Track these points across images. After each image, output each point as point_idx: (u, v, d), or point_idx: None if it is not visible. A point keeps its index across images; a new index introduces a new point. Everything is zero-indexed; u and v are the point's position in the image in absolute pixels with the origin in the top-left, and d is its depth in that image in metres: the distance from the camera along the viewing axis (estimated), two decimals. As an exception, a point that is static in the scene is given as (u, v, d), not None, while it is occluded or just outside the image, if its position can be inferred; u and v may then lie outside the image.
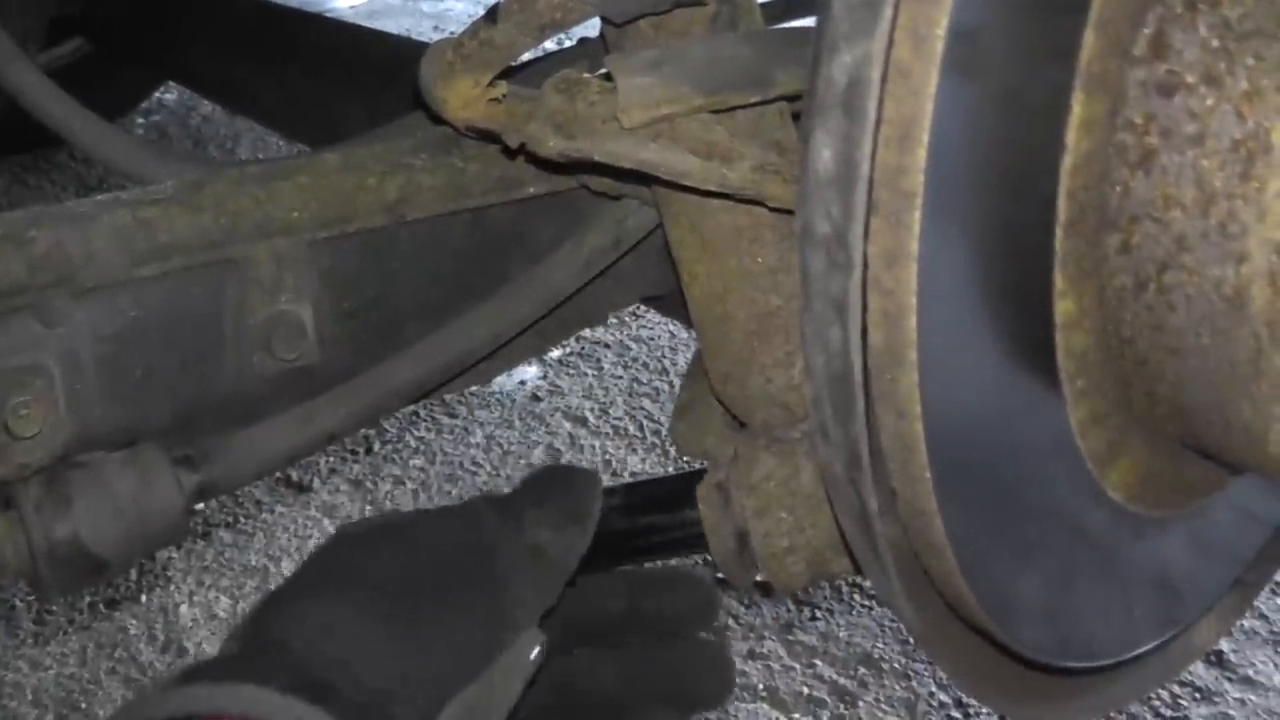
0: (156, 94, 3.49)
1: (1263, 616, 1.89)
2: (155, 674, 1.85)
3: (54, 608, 1.95)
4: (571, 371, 2.46)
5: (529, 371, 2.45)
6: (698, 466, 0.97)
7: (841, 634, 1.86)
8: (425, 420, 2.33)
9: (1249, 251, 0.69)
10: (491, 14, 0.89)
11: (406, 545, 0.75)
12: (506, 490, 0.84)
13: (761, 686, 1.79)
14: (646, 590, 0.92)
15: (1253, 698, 1.77)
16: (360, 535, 0.77)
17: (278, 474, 1.96)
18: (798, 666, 1.82)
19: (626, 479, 2.15)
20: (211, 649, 1.88)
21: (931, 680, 1.79)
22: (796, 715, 1.75)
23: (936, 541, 0.73)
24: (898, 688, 1.78)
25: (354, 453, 2.26)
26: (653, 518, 0.94)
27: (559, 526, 0.80)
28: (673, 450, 2.14)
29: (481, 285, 1.05)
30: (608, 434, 2.28)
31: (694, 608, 0.92)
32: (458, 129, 0.97)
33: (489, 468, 2.21)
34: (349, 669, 0.65)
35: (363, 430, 1.65)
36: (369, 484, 2.19)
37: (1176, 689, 1.76)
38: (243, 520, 2.13)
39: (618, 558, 0.95)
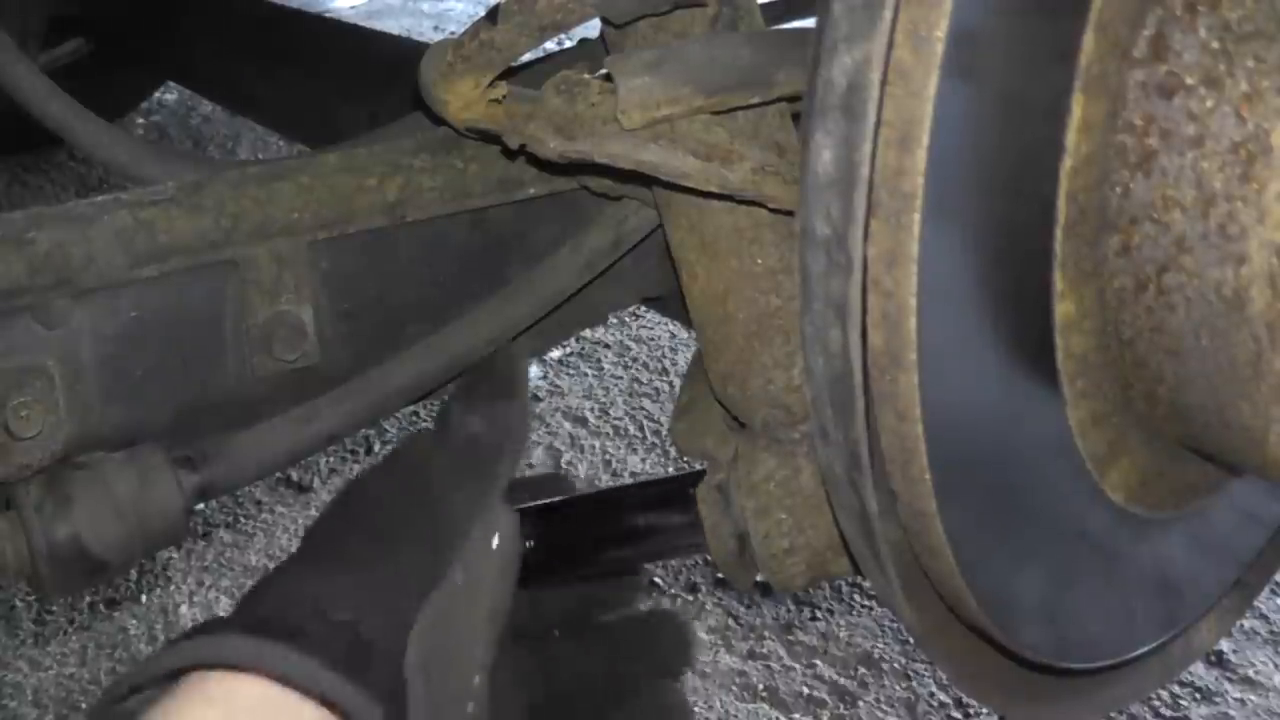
0: (156, 94, 3.49)
1: (1263, 616, 1.89)
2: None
3: (54, 608, 1.94)
4: (571, 371, 2.45)
5: (529, 371, 2.45)
6: (698, 467, 0.97)
7: (841, 634, 1.86)
8: (425, 420, 2.33)
9: (1249, 253, 0.69)
10: (491, 15, 0.89)
11: (352, 499, 0.84)
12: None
13: (761, 686, 1.79)
14: (623, 650, 0.95)
15: (1253, 698, 1.76)
16: (324, 510, 0.85)
17: (278, 474, 1.96)
18: (798, 666, 1.82)
19: (627, 479, 2.15)
20: (211, 649, 1.88)
21: (931, 680, 1.79)
22: (796, 715, 1.75)
23: (936, 543, 0.73)
24: (898, 688, 1.78)
25: (354, 453, 2.26)
26: (648, 518, 0.95)
27: (486, 411, 0.85)
28: (673, 450, 2.14)
29: (481, 286, 1.05)
30: (608, 434, 2.28)
31: (669, 657, 0.95)
32: (458, 130, 0.97)
33: (489, 468, 2.20)
34: (318, 612, 0.72)
35: (363, 430, 1.65)
36: (369, 484, 2.19)
37: (1176, 689, 1.76)
38: (243, 520, 2.13)
39: (612, 561, 0.96)
